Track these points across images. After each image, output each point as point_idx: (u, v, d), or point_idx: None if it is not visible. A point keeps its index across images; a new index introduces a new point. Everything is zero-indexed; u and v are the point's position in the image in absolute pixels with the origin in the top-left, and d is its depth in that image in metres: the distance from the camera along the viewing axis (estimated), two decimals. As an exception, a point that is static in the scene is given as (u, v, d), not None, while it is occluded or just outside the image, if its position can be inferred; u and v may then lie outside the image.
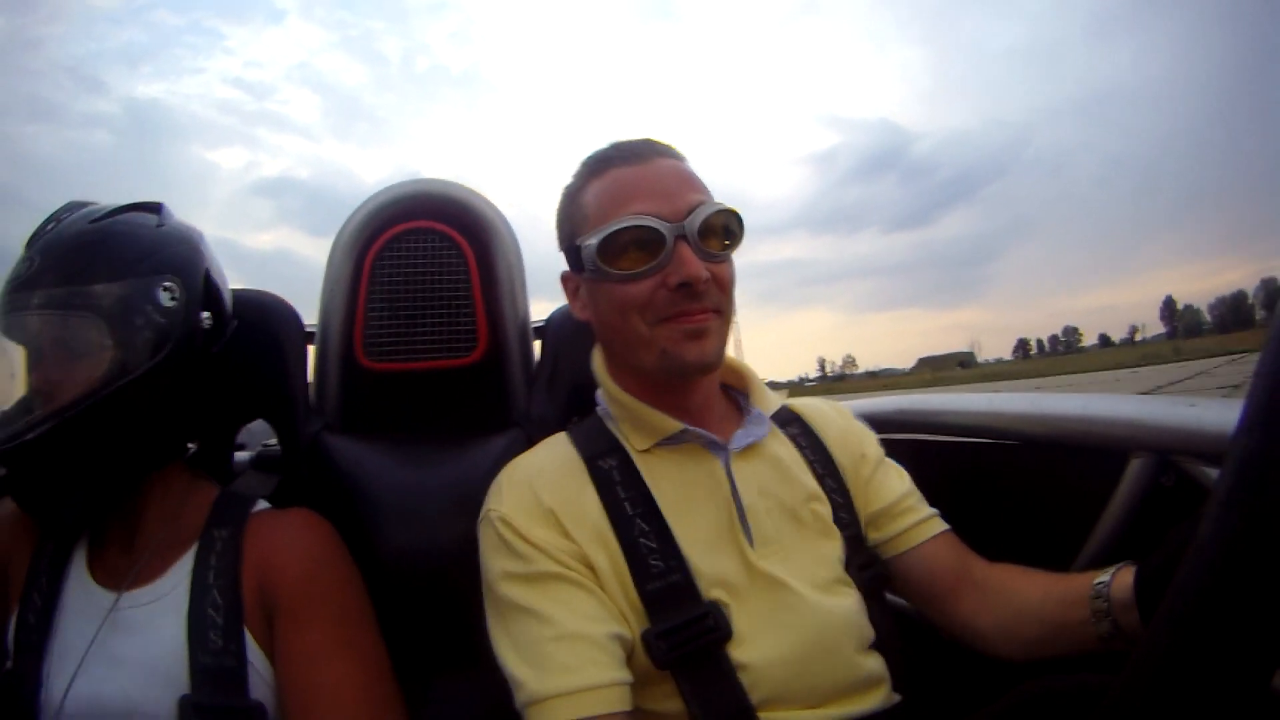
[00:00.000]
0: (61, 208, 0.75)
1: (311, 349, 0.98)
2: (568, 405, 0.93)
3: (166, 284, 0.71)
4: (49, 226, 0.72)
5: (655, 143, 0.70)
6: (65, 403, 0.65)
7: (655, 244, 0.64)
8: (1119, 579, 0.59)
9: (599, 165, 0.70)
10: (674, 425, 0.68)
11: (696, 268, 0.64)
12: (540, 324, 1.01)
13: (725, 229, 0.67)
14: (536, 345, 1.02)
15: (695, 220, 0.65)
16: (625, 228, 0.65)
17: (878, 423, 1.00)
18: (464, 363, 0.92)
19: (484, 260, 0.93)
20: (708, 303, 0.66)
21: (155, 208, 0.77)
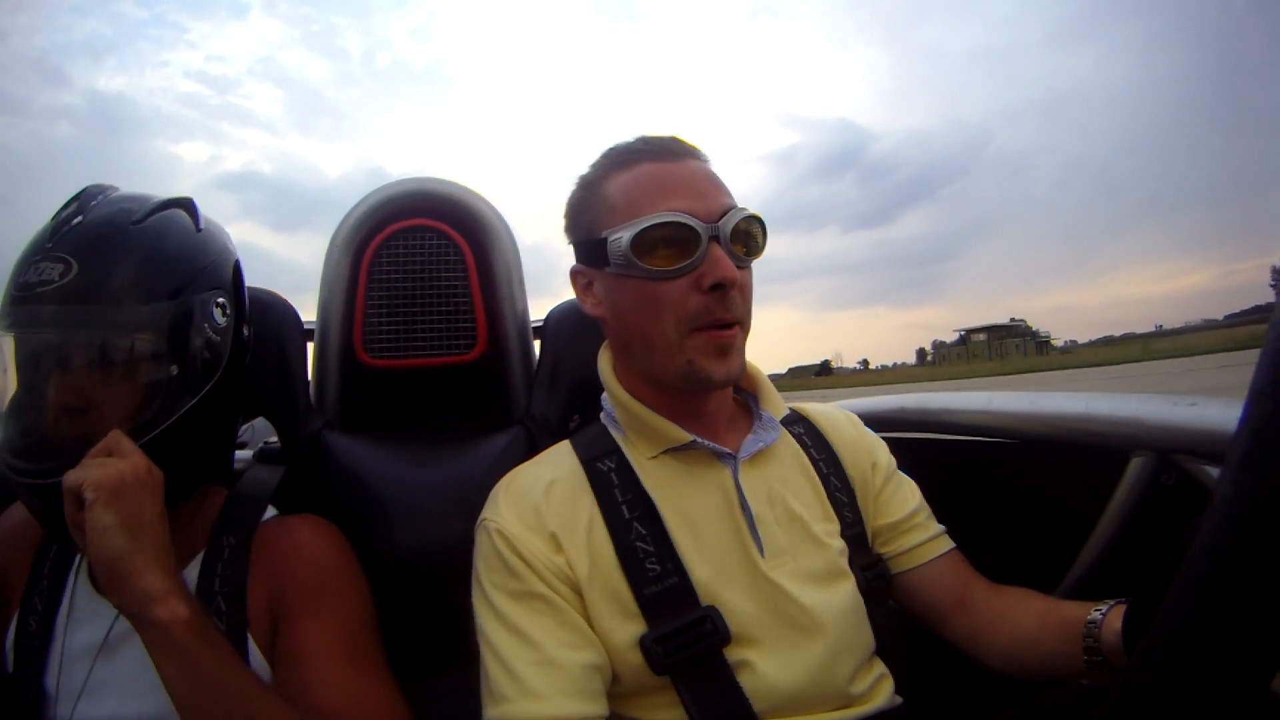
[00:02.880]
0: (82, 195, 0.68)
1: (310, 347, 0.98)
2: (568, 403, 0.93)
3: (219, 300, 0.69)
4: (74, 219, 0.64)
5: (684, 142, 0.69)
6: (127, 430, 0.60)
7: (690, 242, 0.63)
8: (1109, 620, 0.59)
9: (626, 157, 0.68)
10: (683, 436, 0.67)
11: (730, 269, 0.62)
12: (539, 323, 1.02)
13: (749, 235, 0.66)
14: (536, 344, 1.02)
15: (728, 223, 0.64)
16: (662, 223, 0.63)
17: (878, 422, 1.00)
18: (463, 360, 0.92)
19: (482, 258, 0.93)
20: (736, 312, 0.64)
21: (189, 205, 0.71)
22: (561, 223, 0.74)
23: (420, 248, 0.92)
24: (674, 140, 0.69)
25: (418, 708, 0.71)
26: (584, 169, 0.72)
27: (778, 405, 0.74)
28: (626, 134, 0.72)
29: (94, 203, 0.67)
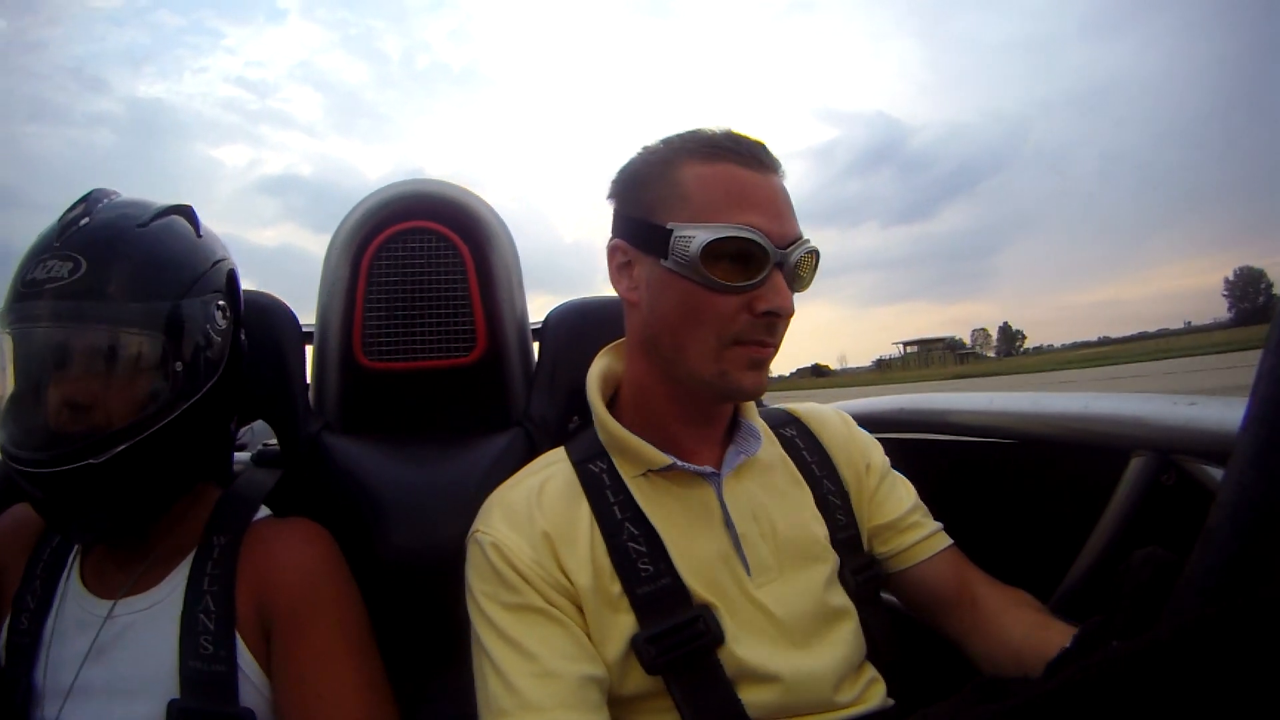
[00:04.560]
0: (89, 198, 0.69)
1: (309, 349, 0.98)
2: (567, 404, 0.93)
3: (220, 303, 0.71)
4: (81, 221, 0.66)
5: (769, 153, 0.65)
6: (125, 425, 0.63)
7: (758, 263, 0.61)
8: None
9: (710, 150, 0.63)
10: (661, 459, 0.66)
11: (788, 300, 0.61)
12: (538, 325, 1.02)
13: (805, 269, 0.65)
14: (536, 346, 1.02)
15: (794, 254, 0.62)
16: (739, 236, 0.60)
17: (878, 422, 1.00)
18: (463, 362, 0.92)
19: (481, 260, 0.93)
20: (777, 338, 0.64)
21: (189, 213, 0.73)
22: (607, 190, 0.70)
23: (419, 250, 0.92)
24: (762, 148, 0.65)
25: (416, 708, 0.71)
26: (653, 141, 0.67)
27: (755, 414, 0.73)
28: (664, 131, 0.68)
29: (100, 206, 0.68)
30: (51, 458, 0.62)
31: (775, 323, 0.62)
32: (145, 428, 0.64)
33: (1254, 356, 0.33)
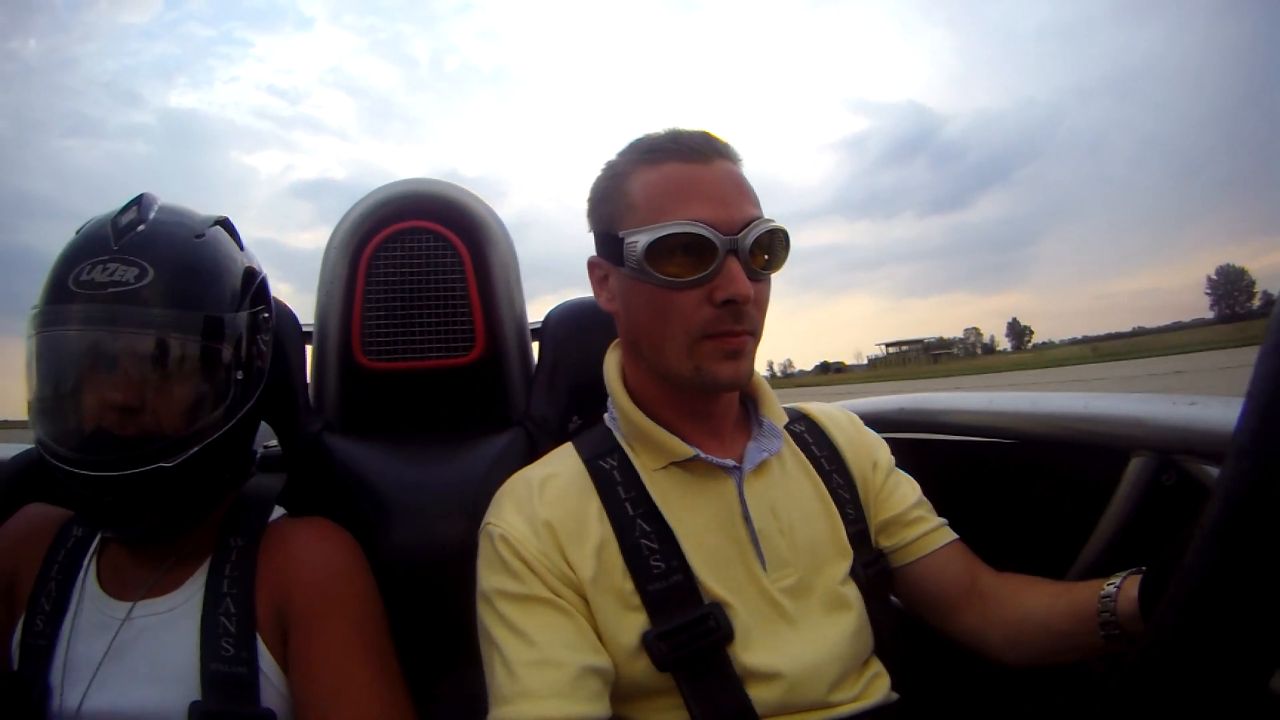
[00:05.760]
0: (140, 203, 0.69)
1: (309, 349, 0.98)
2: (567, 404, 0.93)
3: (265, 315, 0.73)
4: (138, 226, 0.66)
5: (715, 140, 0.66)
6: (192, 430, 0.64)
7: (706, 253, 0.61)
8: (1125, 590, 0.58)
9: (653, 154, 0.65)
10: (686, 450, 0.66)
11: (745, 286, 0.61)
12: (537, 324, 1.02)
13: (770, 248, 0.64)
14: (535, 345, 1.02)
15: (748, 236, 0.62)
16: (679, 233, 0.61)
17: (878, 422, 1.00)
18: (462, 362, 0.92)
19: (479, 260, 0.93)
20: (747, 324, 0.63)
21: (229, 224, 0.74)
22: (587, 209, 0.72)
23: (418, 250, 0.92)
24: (704, 138, 0.65)
25: (425, 707, 0.71)
26: (612, 155, 0.70)
27: (778, 412, 0.74)
28: (695, 124, 0.69)
29: (153, 212, 0.68)
30: (121, 460, 0.61)
31: (739, 310, 0.62)
32: (212, 432, 0.66)
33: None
